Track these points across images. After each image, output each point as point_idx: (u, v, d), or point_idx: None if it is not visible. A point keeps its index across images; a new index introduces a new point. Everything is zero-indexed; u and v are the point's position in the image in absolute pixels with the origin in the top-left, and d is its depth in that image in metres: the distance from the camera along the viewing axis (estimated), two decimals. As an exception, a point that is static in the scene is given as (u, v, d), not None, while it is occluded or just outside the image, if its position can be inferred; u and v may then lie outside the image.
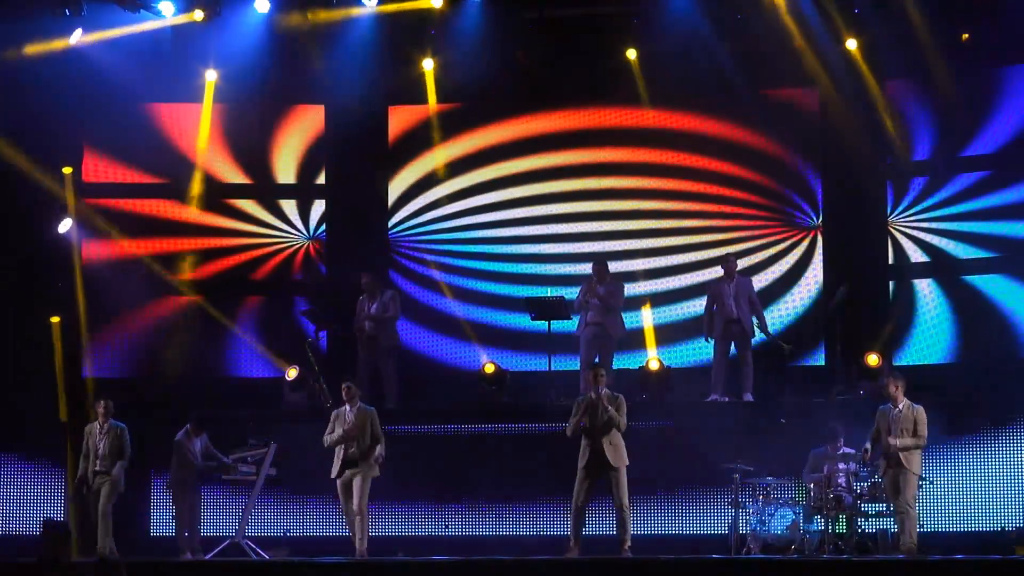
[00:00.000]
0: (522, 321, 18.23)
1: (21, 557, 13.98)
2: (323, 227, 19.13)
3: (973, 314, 17.62)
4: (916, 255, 18.07)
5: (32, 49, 17.65)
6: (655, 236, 18.89)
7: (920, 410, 14.30)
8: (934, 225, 17.99)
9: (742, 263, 17.87)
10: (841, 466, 14.90)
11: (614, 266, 17.90)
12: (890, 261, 18.18)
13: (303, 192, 19.30)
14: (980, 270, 17.71)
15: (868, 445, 14.31)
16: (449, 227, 19.27)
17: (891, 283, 18.22)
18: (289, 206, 19.28)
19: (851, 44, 17.94)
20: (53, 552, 8.21)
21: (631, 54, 18.54)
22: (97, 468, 15.41)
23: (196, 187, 18.95)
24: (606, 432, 14.30)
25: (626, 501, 14.31)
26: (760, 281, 18.19)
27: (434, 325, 19.00)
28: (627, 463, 14.35)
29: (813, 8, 17.83)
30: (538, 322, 17.77)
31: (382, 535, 15.89)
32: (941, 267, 17.96)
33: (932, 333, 17.86)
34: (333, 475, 14.83)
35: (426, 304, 19.08)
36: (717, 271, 17.64)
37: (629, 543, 14.28)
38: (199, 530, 15.66)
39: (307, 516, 16.62)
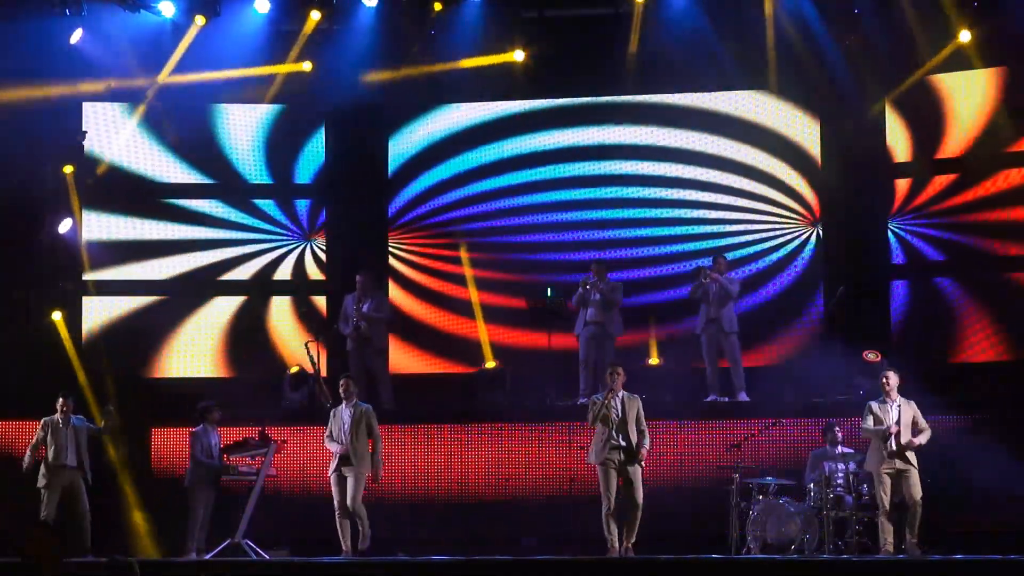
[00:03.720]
0: (522, 319, 18.23)
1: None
2: (323, 227, 19.19)
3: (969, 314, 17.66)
4: (916, 255, 18.09)
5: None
6: (654, 232, 18.88)
7: (913, 404, 14.37)
8: (934, 225, 18.01)
9: (741, 261, 17.86)
10: (841, 466, 14.91)
11: (612, 259, 17.95)
12: (890, 261, 18.19)
13: (301, 192, 19.30)
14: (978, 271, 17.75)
15: (872, 450, 14.33)
16: (448, 224, 19.27)
17: (890, 283, 18.21)
18: (288, 206, 19.28)
19: (851, 44, 17.97)
20: (35, 551, 8.19)
21: (630, 53, 18.54)
22: (66, 463, 15.28)
23: (195, 189, 19.01)
24: (625, 430, 14.24)
25: (640, 500, 14.27)
26: (759, 279, 18.18)
27: (433, 323, 18.99)
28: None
29: (813, 8, 17.85)
30: (538, 321, 17.77)
31: (382, 535, 15.87)
32: (940, 267, 17.96)
33: (930, 333, 17.88)
34: (329, 472, 14.91)
35: (425, 302, 19.08)
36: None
37: (634, 540, 14.25)
38: (206, 529, 15.60)
39: (307, 516, 16.60)
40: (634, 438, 14.24)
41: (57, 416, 15.47)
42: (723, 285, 17.13)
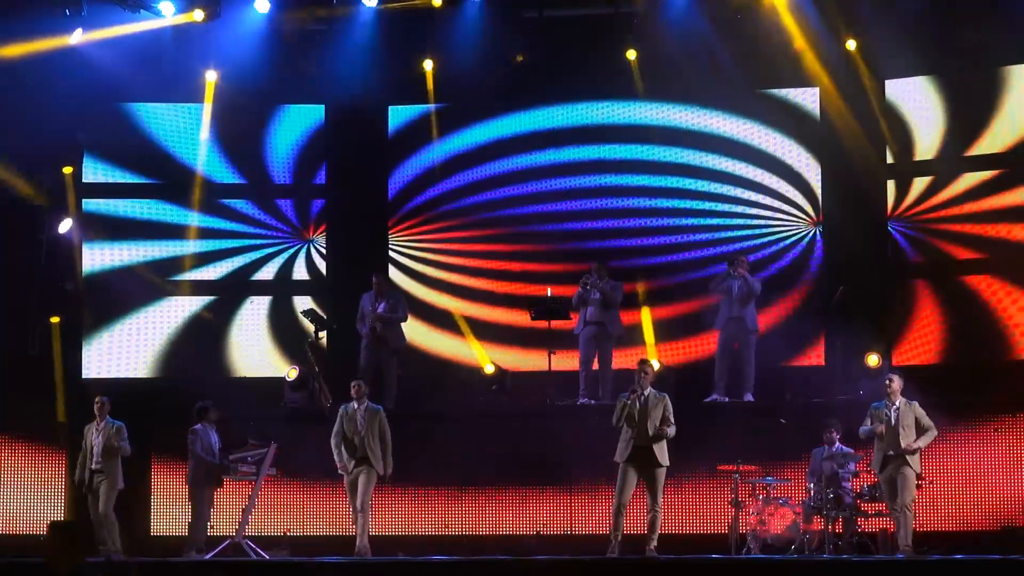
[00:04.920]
0: (522, 320, 18.22)
1: (25, 557, 13.94)
2: (323, 226, 19.19)
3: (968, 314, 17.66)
4: (916, 255, 18.09)
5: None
6: (653, 233, 18.88)
7: (916, 405, 14.39)
8: (934, 226, 18.01)
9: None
10: (840, 466, 14.91)
11: (613, 263, 17.92)
12: (889, 261, 18.19)
13: (302, 192, 19.30)
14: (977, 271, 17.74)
15: (875, 451, 14.34)
16: (448, 224, 19.26)
17: (890, 283, 18.21)
18: (288, 206, 19.28)
19: (851, 44, 17.97)
20: (60, 553, 8.25)
21: (631, 54, 18.52)
22: (93, 466, 15.37)
23: (196, 188, 19.00)
24: (647, 430, 14.19)
25: (660, 501, 14.27)
26: (759, 279, 18.21)
27: (433, 324, 18.98)
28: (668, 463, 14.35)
29: (813, 8, 17.85)
30: (538, 321, 17.77)
31: (382, 535, 15.90)
32: (940, 267, 17.96)
33: (929, 333, 17.87)
34: (348, 473, 14.96)
35: (425, 303, 19.07)
36: (716, 268, 17.66)
37: (656, 543, 14.24)
38: (207, 528, 15.63)
39: (307, 516, 16.62)
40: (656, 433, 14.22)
41: (93, 422, 15.52)
42: (749, 282, 17.12)
